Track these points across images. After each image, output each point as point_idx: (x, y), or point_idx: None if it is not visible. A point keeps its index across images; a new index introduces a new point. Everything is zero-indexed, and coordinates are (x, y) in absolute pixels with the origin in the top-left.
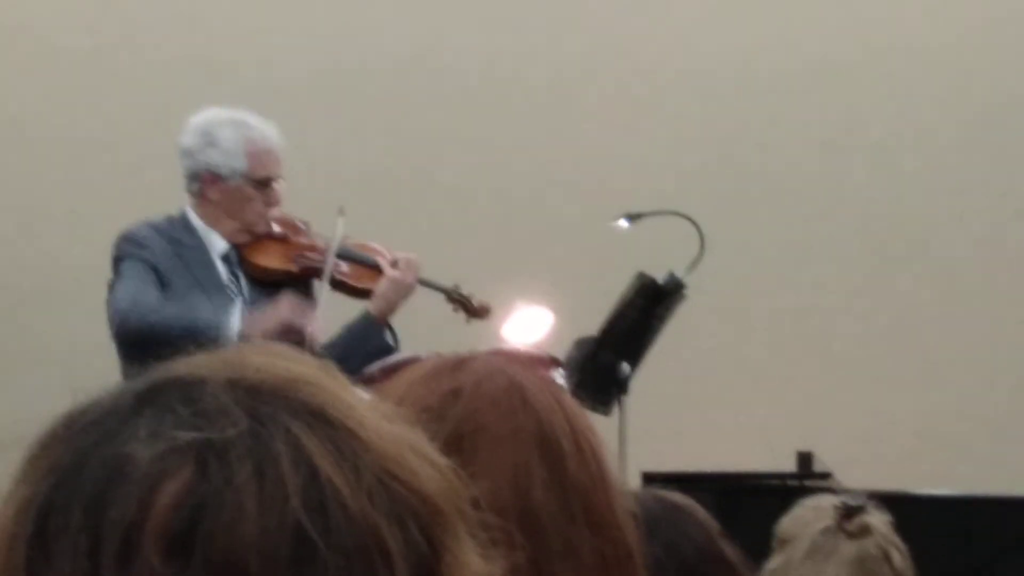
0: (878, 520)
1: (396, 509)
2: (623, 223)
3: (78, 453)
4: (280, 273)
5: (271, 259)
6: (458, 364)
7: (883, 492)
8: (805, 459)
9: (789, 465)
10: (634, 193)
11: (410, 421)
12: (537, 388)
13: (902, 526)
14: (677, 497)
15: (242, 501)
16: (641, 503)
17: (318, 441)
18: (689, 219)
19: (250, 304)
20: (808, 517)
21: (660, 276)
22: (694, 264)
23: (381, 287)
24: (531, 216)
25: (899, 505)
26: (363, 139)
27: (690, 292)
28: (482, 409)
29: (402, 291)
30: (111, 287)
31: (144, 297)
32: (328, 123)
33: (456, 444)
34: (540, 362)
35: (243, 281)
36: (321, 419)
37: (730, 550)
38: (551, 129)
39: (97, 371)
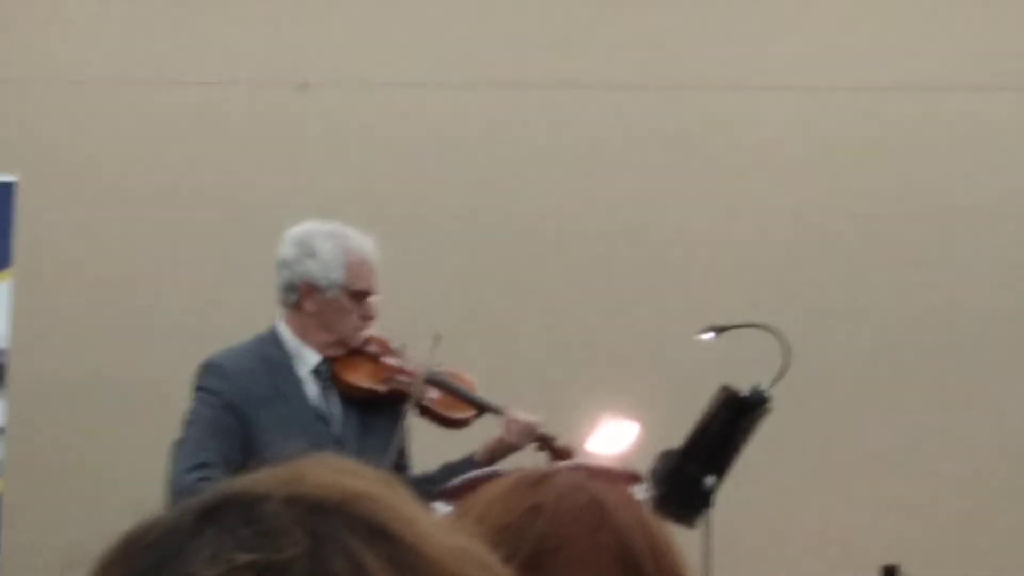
0: None
1: None
2: (708, 336)
3: (140, 575)
4: (367, 392)
5: (360, 377)
6: (539, 480)
7: None
8: (890, 572)
9: None
10: (719, 306)
11: (488, 537)
12: (618, 504)
13: None
14: None
15: None
16: None
17: (377, 558)
18: (773, 332)
19: (341, 419)
20: None
21: (745, 389)
22: (779, 377)
23: (495, 445)
24: (616, 329)
25: None
26: (448, 263)
27: (775, 404)
28: (563, 526)
29: (511, 451)
30: (183, 423)
31: (200, 473)
32: (412, 249)
33: (536, 561)
34: (621, 477)
35: (332, 396)
36: (381, 534)
37: None
38: (636, 243)
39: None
